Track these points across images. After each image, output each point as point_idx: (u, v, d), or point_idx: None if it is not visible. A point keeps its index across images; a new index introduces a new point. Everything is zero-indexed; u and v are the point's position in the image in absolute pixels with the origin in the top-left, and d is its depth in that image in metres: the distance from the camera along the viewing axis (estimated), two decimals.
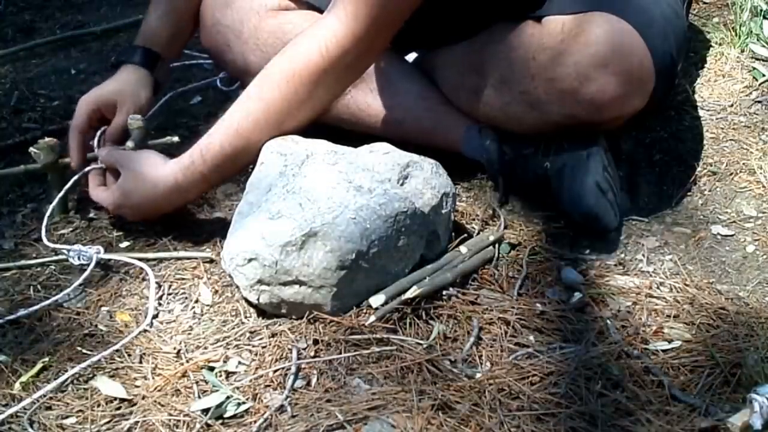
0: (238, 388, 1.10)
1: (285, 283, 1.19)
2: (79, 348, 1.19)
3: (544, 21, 1.35)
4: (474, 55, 1.42)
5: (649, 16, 1.31)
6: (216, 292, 1.28)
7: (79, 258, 1.33)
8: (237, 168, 1.37)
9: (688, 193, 1.47)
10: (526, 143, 1.41)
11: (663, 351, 1.15)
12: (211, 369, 1.13)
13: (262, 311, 1.23)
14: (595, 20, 1.29)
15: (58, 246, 1.36)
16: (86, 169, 1.44)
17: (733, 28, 1.85)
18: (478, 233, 1.36)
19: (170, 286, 1.30)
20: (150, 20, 1.58)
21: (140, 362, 1.16)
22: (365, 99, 1.49)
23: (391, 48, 1.42)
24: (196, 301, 1.27)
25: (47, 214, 1.42)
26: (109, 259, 1.33)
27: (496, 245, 1.33)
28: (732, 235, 1.38)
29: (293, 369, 1.12)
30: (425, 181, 1.28)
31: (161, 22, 1.57)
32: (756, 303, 1.23)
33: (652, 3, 1.35)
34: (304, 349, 1.16)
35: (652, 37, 1.29)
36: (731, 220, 1.41)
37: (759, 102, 1.67)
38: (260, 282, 1.19)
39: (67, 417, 1.08)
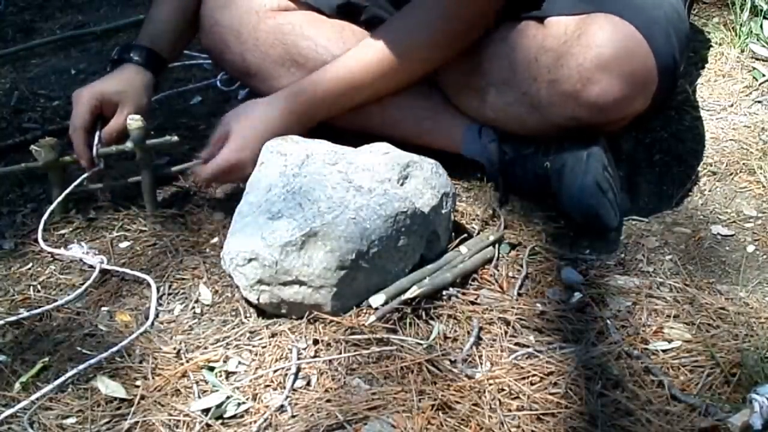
0: (238, 388, 1.10)
1: (285, 283, 1.19)
2: (79, 348, 1.19)
3: (547, 22, 1.35)
4: (476, 56, 1.42)
5: (652, 17, 1.31)
6: (216, 292, 1.28)
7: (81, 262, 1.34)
8: (354, 101, 1.44)
9: (688, 193, 1.47)
10: (526, 143, 1.41)
11: (663, 351, 1.15)
12: (211, 369, 1.13)
13: (262, 311, 1.23)
14: (598, 22, 1.28)
15: (58, 251, 1.36)
16: (92, 170, 1.44)
17: (733, 28, 1.85)
18: (478, 233, 1.36)
19: (170, 286, 1.30)
20: (155, 20, 1.57)
21: (140, 362, 1.16)
22: None
23: None
24: (196, 301, 1.27)
25: (45, 216, 1.41)
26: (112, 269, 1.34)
27: (496, 245, 1.33)
28: (732, 235, 1.38)
29: (293, 369, 1.12)
30: (425, 181, 1.28)
31: (166, 25, 1.57)
32: (756, 303, 1.23)
33: (655, 4, 1.34)
34: (304, 349, 1.16)
35: (655, 38, 1.29)
36: (731, 220, 1.41)
37: (759, 102, 1.67)
38: (260, 282, 1.19)
39: (67, 417, 1.08)
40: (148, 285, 1.29)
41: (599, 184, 1.34)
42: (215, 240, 1.38)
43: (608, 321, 1.20)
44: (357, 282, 1.20)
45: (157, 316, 1.24)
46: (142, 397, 1.10)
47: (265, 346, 1.17)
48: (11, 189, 1.56)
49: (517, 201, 1.45)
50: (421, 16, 1.40)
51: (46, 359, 1.17)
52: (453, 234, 1.33)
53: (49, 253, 1.37)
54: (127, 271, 1.32)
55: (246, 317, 1.23)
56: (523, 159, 1.41)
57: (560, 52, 1.30)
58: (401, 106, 1.49)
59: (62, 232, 1.43)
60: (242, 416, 1.07)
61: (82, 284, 1.30)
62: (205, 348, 1.18)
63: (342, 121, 1.48)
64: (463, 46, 1.41)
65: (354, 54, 1.42)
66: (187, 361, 1.15)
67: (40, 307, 1.26)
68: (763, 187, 1.47)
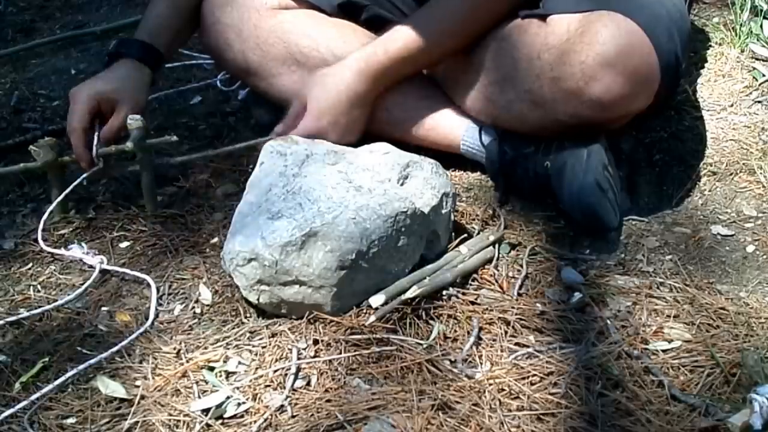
0: (238, 388, 1.10)
1: (285, 283, 1.19)
2: (79, 348, 1.19)
3: (549, 20, 1.35)
4: (477, 54, 1.43)
5: (655, 15, 1.31)
6: (216, 292, 1.28)
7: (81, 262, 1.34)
8: (415, 65, 1.45)
9: (688, 193, 1.47)
10: (527, 142, 1.41)
11: (663, 351, 1.15)
12: (211, 369, 1.13)
13: (262, 311, 1.23)
14: (601, 19, 1.28)
15: (58, 251, 1.36)
16: (92, 170, 1.44)
17: (733, 28, 1.85)
18: (478, 233, 1.36)
19: (170, 286, 1.30)
20: (153, 16, 1.57)
21: (140, 362, 1.16)
22: None
23: None
24: (196, 301, 1.27)
25: (45, 216, 1.41)
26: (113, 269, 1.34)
27: (496, 245, 1.33)
28: (732, 235, 1.38)
29: (293, 369, 1.12)
30: (425, 181, 1.28)
31: (165, 20, 1.57)
32: (756, 303, 1.23)
33: (658, 3, 1.34)
34: (304, 349, 1.16)
35: (657, 36, 1.29)
36: (731, 220, 1.41)
37: (759, 102, 1.67)
38: (260, 282, 1.19)
39: (67, 417, 1.08)
40: (148, 285, 1.29)
41: (599, 183, 1.34)
42: (215, 240, 1.38)
43: (608, 321, 1.20)
44: (357, 282, 1.20)
45: (157, 316, 1.24)
46: (142, 397, 1.10)
47: (265, 346, 1.17)
48: (11, 189, 1.56)
49: (517, 201, 1.45)
50: None
51: (46, 359, 1.17)
52: (453, 234, 1.33)
53: (49, 253, 1.37)
54: (127, 271, 1.32)
55: (246, 317, 1.23)
56: (524, 158, 1.41)
57: (563, 50, 1.30)
58: (402, 105, 1.49)
59: (62, 232, 1.43)
60: (242, 416, 1.07)
61: (82, 284, 1.30)
62: (205, 348, 1.18)
63: None
64: None
65: (420, 14, 1.44)
66: (187, 361, 1.15)
67: (40, 307, 1.26)
68: (763, 187, 1.47)
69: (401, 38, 1.42)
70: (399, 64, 1.43)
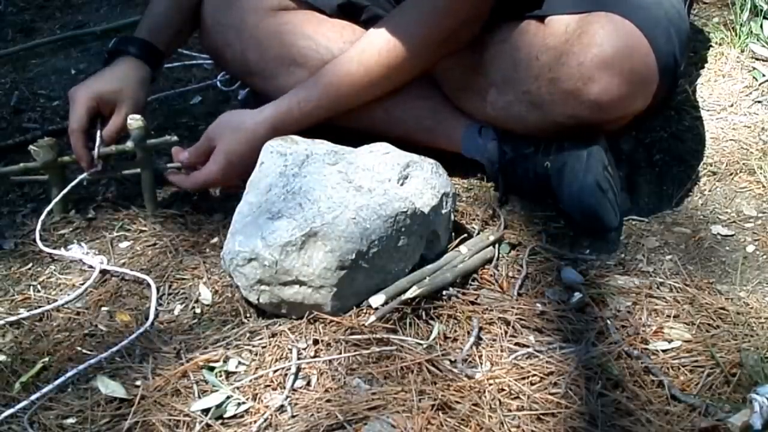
0: (238, 388, 1.10)
1: (285, 283, 1.19)
2: (79, 348, 1.19)
3: (548, 21, 1.35)
4: (476, 55, 1.42)
5: (653, 16, 1.31)
6: (216, 292, 1.28)
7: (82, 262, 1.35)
8: (329, 117, 1.44)
9: (688, 193, 1.47)
10: (526, 143, 1.41)
11: (663, 351, 1.15)
12: (211, 369, 1.13)
13: (262, 311, 1.23)
14: (600, 21, 1.28)
15: (58, 252, 1.36)
16: (91, 170, 1.44)
17: (733, 28, 1.85)
18: (478, 233, 1.36)
19: (170, 286, 1.30)
20: (154, 14, 1.57)
21: (140, 362, 1.16)
22: None
23: None
24: (196, 301, 1.27)
25: (42, 216, 1.41)
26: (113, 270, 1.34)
27: (496, 245, 1.33)
28: (732, 235, 1.38)
29: (293, 369, 1.12)
30: (425, 181, 1.28)
31: (165, 19, 1.57)
32: (756, 303, 1.23)
33: (656, 4, 1.35)
34: (304, 349, 1.16)
35: (656, 37, 1.29)
36: (731, 220, 1.41)
37: (759, 102, 1.67)
38: (260, 282, 1.19)
39: (67, 417, 1.08)
40: (148, 285, 1.29)
41: (599, 184, 1.34)
42: (215, 240, 1.38)
43: (608, 321, 1.20)
44: (357, 282, 1.20)
45: (157, 316, 1.24)
46: (142, 397, 1.10)
47: (265, 346, 1.17)
48: (11, 189, 1.56)
49: (517, 201, 1.45)
50: (414, 15, 1.40)
51: (46, 359, 1.17)
52: (453, 234, 1.33)
53: (48, 253, 1.37)
54: (127, 271, 1.32)
55: (246, 317, 1.23)
56: (523, 159, 1.41)
57: (561, 51, 1.30)
58: (402, 105, 1.49)
59: (62, 232, 1.43)
60: (242, 416, 1.07)
61: (82, 284, 1.30)
62: (205, 348, 1.18)
63: (343, 120, 1.48)
64: (458, 43, 1.41)
65: (345, 62, 1.41)
66: (187, 361, 1.15)
67: (40, 307, 1.26)
68: (763, 187, 1.47)
69: (318, 94, 1.41)
70: (314, 118, 1.43)
